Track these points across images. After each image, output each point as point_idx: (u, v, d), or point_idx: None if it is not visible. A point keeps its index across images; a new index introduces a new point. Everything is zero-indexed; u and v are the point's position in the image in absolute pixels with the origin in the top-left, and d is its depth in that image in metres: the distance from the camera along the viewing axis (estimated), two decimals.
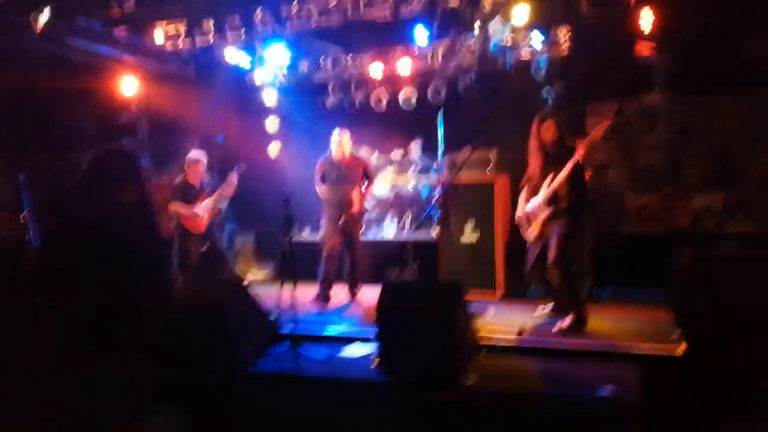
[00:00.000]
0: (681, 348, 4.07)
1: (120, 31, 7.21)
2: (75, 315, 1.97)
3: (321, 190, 6.55)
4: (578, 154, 4.79)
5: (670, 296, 5.66)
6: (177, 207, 6.48)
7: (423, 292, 4.23)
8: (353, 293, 6.61)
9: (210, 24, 7.08)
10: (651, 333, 4.70)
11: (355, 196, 6.42)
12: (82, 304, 1.95)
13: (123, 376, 2.02)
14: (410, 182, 8.05)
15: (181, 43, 7.41)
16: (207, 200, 6.55)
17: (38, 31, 5.83)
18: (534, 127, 5.14)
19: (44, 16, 5.65)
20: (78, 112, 8.77)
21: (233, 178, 6.63)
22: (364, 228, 6.95)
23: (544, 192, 4.97)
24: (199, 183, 6.67)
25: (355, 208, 6.42)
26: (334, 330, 5.02)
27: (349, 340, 4.71)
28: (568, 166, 4.82)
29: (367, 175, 6.64)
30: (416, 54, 8.10)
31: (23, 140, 9.40)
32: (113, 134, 8.57)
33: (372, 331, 4.16)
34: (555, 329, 4.75)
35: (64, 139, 9.33)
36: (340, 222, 6.34)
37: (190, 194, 6.54)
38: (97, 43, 7.28)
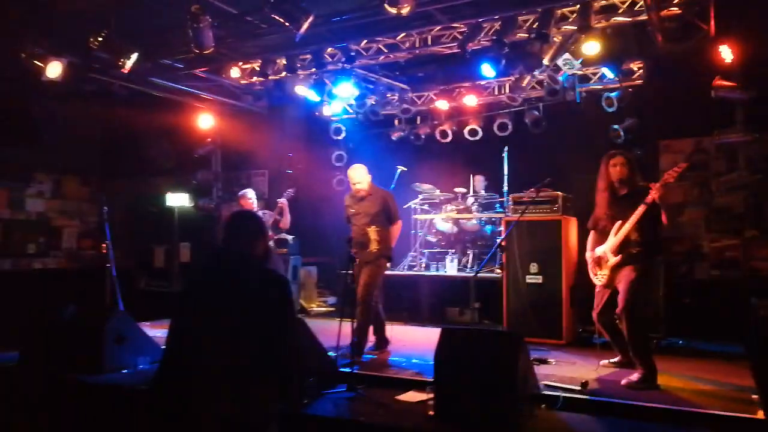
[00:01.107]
0: (760, 412, 3.79)
1: (199, 70, 7.63)
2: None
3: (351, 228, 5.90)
4: (651, 198, 4.59)
5: (749, 350, 5.31)
6: None
7: (483, 340, 4.16)
8: (352, 357, 5.03)
9: (282, 62, 7.38)
10: (728, 391, 4.41)
11: (372, 233, 5.59)
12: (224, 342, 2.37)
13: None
14: (473, 218, 7.98)
15: (255, 80, 7.78)
16: None
17: (126, 71, 6.27)
18: (602, 166, 4.95)
19: (131, 60, 6.06)
20: (158, 144, 9.35)
21: (283, 203, 6.80)
22: (384, 268, 5.88)
23: (613, 237, 4.79)
24: None
25: (372, 247, 5.56)
26: (392, 372, 5.01)
27: (407, 383, 4.69)
28: (639, 211, 4.62)
29: (388, 210, 5.76)
30: (483, 87, 8.12)
31: (109, 169, 10.12)
32: (190, 165, 9.07)
33: (430, 378, 4.13)
34: (623, 383, 4.53)
35: (145, 169, 9.98)
36: (357, 261, 5.55)
37: None
38: (177, 81, 7.77)
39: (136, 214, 10.05)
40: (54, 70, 6.30)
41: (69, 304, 5.61)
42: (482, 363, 3.91)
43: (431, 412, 4.00)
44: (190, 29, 5.45)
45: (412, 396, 4.43)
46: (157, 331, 6.76)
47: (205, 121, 8.50)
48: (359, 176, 5.76)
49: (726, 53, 5.76)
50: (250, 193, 7.14)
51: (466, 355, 3.99)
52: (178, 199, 8.93)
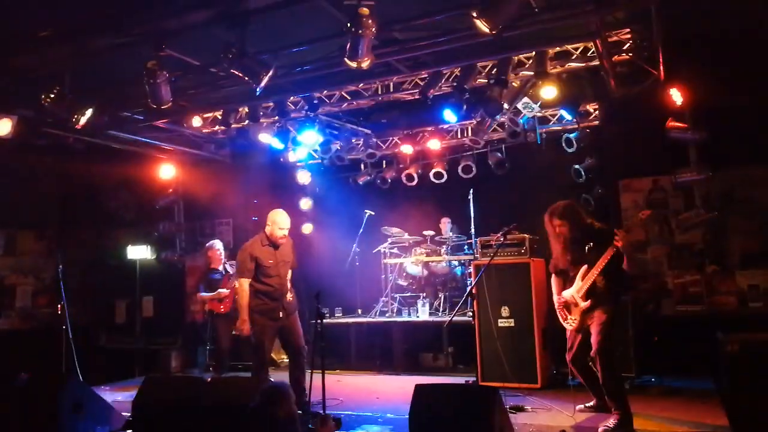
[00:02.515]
0: None
1: (159, 121, 7.51)
2: None
3: (248, 283, 5.28)
4: (616, 244, 4.63)
5: (719, 387, 5.35)
6: (201, 295, 6.83)
7: (457, 396, 4.07)
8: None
9: (245, 110, 7.34)
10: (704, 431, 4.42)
11: (289, 282, 5.41)
12: None
13: None
14: (442, 261, 7.96)
15: (218, 129, 7.70)
16: (229, 283, 6.74)
17: (80, 127, 6.10)
18: (546, 219, 4.98)
19: (86, 116, 5.91)
20: (119, 197, 9.12)
21: None
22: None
23: (580, 282, 4.81)
24: (222, 266, 6.94)
25: (290, 297, 5.36)
26: (367, 429, 4.86)
27: None
28: (605, 258, 4.64)
29: (294, 256, 5.59)
30: (446, 131, 8.21)
31: (67, 223, 9.79)
32: (152, 217, 8.85)
33: None
34: (600, 430, 4.49)
35: (105, 222, 9.71)
36: (281, 315, 5.28)
37: (213, 279, 6.85)
38: (137, 133, 7.62)
39: (96, 268, 9.72)
40: (4, 127, 6.12)
41: (21, 371, 5.31)
42: (457, 419, 3.82)
43: None
44: (146, 84, 5.36)
45: None
46: (117, 395, 6.47)
47: (166, 171, 8.34)
48: (288, 222, 5.39)
49: (676, 96, 5.96)
50: (218, 245, 7.07)
51: (441, 412, 3.90)
52: (139, 252, 8.68)
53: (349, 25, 4.43)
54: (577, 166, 7.18)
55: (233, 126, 7.50)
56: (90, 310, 9.52)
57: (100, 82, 6.23)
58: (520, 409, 5.19)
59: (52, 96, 5.58)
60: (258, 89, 5.16)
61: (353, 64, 4.60)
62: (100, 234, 9.88)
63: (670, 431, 4.50)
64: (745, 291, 6.40)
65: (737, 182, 6.52)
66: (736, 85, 5.75)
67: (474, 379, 6.14)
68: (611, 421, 4.53)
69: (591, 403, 5.12)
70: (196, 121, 7.72)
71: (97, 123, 6.45)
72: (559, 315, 5.03)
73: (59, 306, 6.59)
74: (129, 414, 5.07)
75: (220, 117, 7.35)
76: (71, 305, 7.04)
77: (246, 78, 5.03)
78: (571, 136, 7.23)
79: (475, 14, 4.23)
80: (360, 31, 4.40)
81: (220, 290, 6.67)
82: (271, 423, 3.35)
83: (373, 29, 4.42)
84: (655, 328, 6.19)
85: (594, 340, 4.70)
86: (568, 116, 7.19)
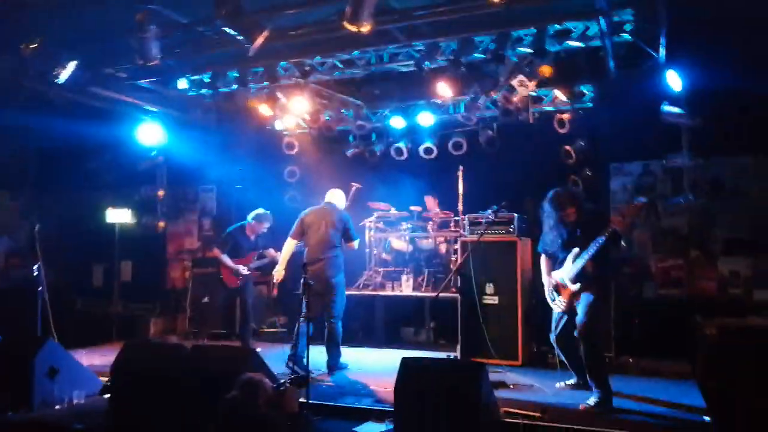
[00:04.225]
0: None
1: (144, 80, 7.28)
2: None
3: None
4: (615, 227, 4.62)
5: (695, 369, 5.44)
6: (225, 257, 6.56)
7: (444, 370, 4.07)
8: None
9: (233, 74, 7.14)
10: (680, 413, 4.50)
11: None
12: None
13: None
14: (428, 237, 7.92)
15: (204, 92, 7.49)
16: (253, 262, 6.66)
17: (62, 82, 5.88)
18: (550, 205, 4.90)
19: (68, 70, 5.68)
20: (99, 158, 8.87)
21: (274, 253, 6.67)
22: None
23: (571, 264, 4.80)
24: (255, 238, 6.77)
25: None
26: (349, 401, 4.84)
27: (365, 413, 4.54)
28: (598, 244, 4.63)
29: None
30: (438, 106, 8.10)
31: (44, 183, 9.53)
32: (133, 180, 8.66)
33: (389, 406, 4.01)
34: (581, 407, 4.53)
35: (84, 183, 9.46)
36: None
37: (242, 246, 6.66)
38: (120, 92, 7.38)
39: (74, 230, 9.49)
40: None
41: None
42: (444, 394, 3.81)
43: None
44: (134, 39, 5.15)
45: (370, 427, 4.28)
46: (95, 359, 6.36)
47: (150, 133, 8.11)
48: None
49: (674, 80, 5.93)
50: (271, 218, 6.77)
51: (427, 386, 3.89)
52: (119, 215, 8.49)
53: None
54: (567, 148, 7.15)
55: (221, 90, 7.30)
56: (66, 272, 9.31)
57: (84, 36, 5.98)
58: (501, 385, 5.21)
59: (33, 46, 5.33)
60: (251, 50, 5.00)
61: (353, 28, 4.47)
62: (78, 195, 9.64)
63: (648, 411, 4.55)
64: (726, 277, 6.49)
65: (725, 170, 6.56)
66: (733, 71, 5.73)
67: (455, 354, 6.19)
68: (592, 400, 4.57)
69: (572, 381, 5.17)
70: (183, 83, 7.51)
71: (79, 78, 6.23)
72: (547, 296, 5.03)
73: (35, 267, 6.40)
74: (107, 379, 4.99)
75: (207, 80, 7.15)
76: (47, 267, 6.86)
77: (239, 37, 4.87)
78: (564, 116, 7.18)
79: None
80: None
81: (239, 267, 6.53)
82: (254, 413, 3.44)
83: None
84: (636, 311, 6.25)
85: (580, 321, 4.71)
86: (562, 96, 7.16)
